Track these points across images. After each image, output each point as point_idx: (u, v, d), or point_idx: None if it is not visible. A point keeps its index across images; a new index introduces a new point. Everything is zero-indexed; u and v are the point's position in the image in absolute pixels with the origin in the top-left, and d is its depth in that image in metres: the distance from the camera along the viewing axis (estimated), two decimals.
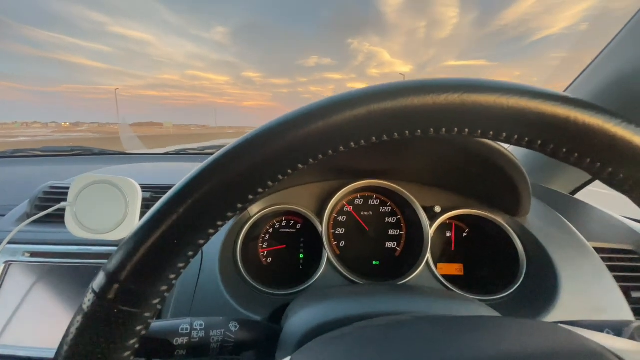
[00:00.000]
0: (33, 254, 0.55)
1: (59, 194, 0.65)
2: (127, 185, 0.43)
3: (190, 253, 0.20)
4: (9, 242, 0.46)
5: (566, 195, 0.83)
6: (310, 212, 0.62)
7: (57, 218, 0.57)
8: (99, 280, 0.20)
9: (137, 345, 0.21)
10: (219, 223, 0.20)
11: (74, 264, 0.54)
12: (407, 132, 0.19)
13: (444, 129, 0.19)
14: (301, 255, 0.65)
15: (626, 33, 0.61)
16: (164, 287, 0.20)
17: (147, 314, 0.20)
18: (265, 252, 0.65)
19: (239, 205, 0.19)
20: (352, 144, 0.19)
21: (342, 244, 0.66)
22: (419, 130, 0.19)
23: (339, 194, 0.62)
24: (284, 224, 0.66)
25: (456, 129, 0.19)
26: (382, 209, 0.67)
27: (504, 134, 0.19)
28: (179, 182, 0.20)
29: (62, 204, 0.42)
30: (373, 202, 0.68)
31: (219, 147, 1.37)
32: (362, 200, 0.67)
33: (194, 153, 1.31)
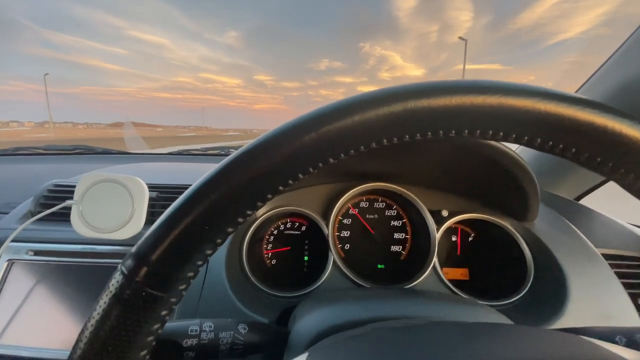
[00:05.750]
0: (37, 253, 0.54)
1: (63, 192, 0.64)
2: (135, 184, 0.42)
3: (219, 240, 0.20)
4: (13, 240, 0.45)
5: (571, 201, 0.82)
6: (315, 214, 0.61)
7: (62, 216, 0.57)
8: (128, 262, 0.20)
9: (160, 331, 0.21)
10: (249, 212, 0.20)
11: (78, 263, 0.54)
12: (441, 132, 0.19)
13: (478, 131, 0.19)
14: (306, 258, 0.65)
15: (637, 37, 0.61)
16: (191, 273, 0.20)
17: (172, 299, 0.20)
18: (270, 253, 0.64)
19: (269, 196, 0.20)
20: (384, 141, 0.19)
21: (347, 246, 0.65)
22: (453, 131, 0.19)
23: (344, 196, 0.62)
24: (289, 225, 0.65)
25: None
26: (387, 212, 0.67)
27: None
28: (212, 169, 0.20)
29: (68, 202, 0.42)
30: (379, 205, 0.67)
31: (221, 148, 1.37)
32: (368, 203, 0.67)
33: (197, 153, 1.30)
